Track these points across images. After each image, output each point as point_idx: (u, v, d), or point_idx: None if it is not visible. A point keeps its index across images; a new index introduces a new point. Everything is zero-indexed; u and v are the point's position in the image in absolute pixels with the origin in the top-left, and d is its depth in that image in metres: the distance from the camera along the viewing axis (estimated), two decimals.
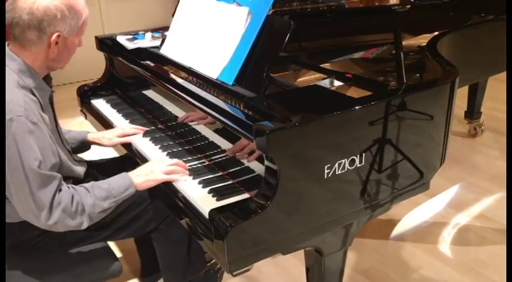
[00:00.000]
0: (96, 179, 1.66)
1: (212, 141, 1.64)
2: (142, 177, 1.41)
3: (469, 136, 3.38)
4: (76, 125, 3.60)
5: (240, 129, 1.29)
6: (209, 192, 1.37)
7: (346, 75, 1.62)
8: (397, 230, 2.38)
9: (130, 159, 1.76)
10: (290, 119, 1.20)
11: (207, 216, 1.27)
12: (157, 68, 1.84)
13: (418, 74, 1.81)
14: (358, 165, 1.32)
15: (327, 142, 1.24)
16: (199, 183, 1.42)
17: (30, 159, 1.21)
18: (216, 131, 1.60)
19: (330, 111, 1.23)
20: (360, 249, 2.21)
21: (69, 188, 1.30)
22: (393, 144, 1.40)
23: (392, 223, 2.43)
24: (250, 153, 1.46)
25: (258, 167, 1.45)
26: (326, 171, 1.26)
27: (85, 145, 1.79)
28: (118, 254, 2.10)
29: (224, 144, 1.59)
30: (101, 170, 1.78)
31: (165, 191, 1.47)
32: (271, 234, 1.23)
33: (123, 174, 1.41)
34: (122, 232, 1.56)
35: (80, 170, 1.55)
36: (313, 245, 1.37)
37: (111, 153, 1.97)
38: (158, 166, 1.45)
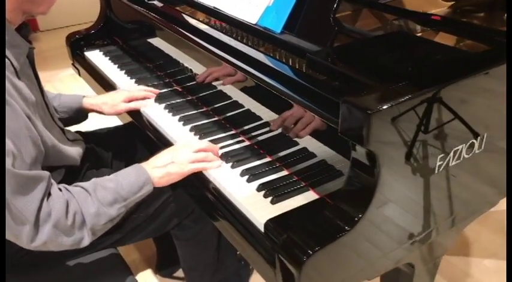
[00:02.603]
0: (97, 164, 1.26)
1: (249, 110, 1.22)
2: (161, 170, 1.00)
3: None
4: (67, 77, 3.17)
5: (310, 105, 0.87)
6: (259, 189, 0.97)
7: (433, 18, 1.19)
8: None
9: (139, 129, 1.35)
10: (397, 87, 0.77)
11: (260, 228, 0.89)
12: (170, 9, 1.41)
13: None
14: (477, 151, 0.92)
15: (447, 120, 0.83)
16: (243, 174, 1.02)
17: None
18: (252, 94, 1.17)
19: (458, 74, 0.80)
20: None
21: (61, 190, 0.90)
22: None
23: None
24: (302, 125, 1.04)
25: (318, 148, 1.05)
26: (438, 163, 0.85)
27: (81, 114, 1.37)
28: None
29: (266, 113, 1.17)
30: (103, 145, 1.37)
31: (193, 182, 1.07)
32: (360, 256, 0.85)
33: (136, 166, 1.00)
34: (135, 234, 1.18)
35: (75, 153, 1.14)
36: (407, 262, 0.99)
37: (114, 121, 1.56)
38: (181, 153, 1.04)
